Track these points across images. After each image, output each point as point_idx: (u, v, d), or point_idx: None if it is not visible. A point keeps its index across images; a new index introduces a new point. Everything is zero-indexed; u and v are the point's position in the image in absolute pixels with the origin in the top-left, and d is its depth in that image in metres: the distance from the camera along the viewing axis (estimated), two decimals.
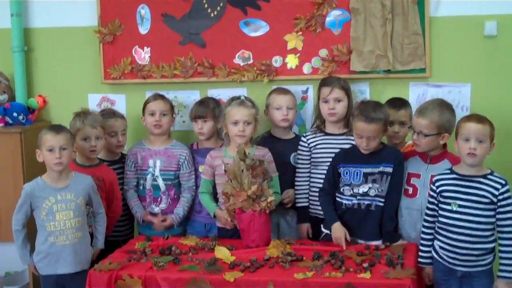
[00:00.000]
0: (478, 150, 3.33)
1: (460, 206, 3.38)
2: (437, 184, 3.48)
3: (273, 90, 4.29)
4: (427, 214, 3.53)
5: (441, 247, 3.46)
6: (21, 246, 3.76)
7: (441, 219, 3.45)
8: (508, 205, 3.35)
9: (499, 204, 3.35)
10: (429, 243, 3.51)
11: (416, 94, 4.30)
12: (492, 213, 3.37)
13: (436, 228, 3.48)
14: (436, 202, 3.48)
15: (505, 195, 3.36)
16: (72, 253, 3.70)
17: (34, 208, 3.70)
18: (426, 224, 3.54)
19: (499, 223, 3.37)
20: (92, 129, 4.02)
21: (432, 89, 4.28)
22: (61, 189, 3.71)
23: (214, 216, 4.05)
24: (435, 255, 3.50)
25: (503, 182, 3.39)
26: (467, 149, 3.34)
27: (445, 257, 3.45)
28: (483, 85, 4.24)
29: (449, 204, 3.41)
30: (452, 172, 3.46)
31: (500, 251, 3.39)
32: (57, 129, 3.74)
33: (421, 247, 3.56)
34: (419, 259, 3.54)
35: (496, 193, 3.35)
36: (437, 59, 4.27)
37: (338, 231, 3.68)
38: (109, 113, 4.30)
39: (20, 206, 3.72)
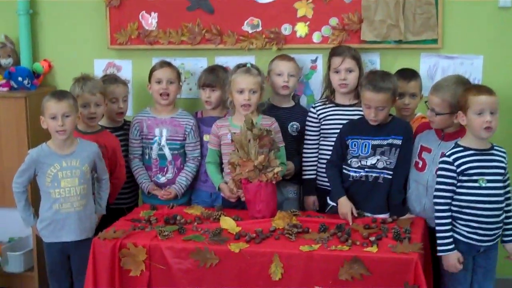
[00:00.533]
0: (493, 123, 3.28)
1: (488, 181, 3.31)
2: (456, 163, 3.34)
3: (276, 56, 4.20)
4: (443, 197, 3.37)
5: (466, 226, 3.35)
6: (23, 208, 3.73)
7: (465, 197, 3.34)
8: (508, 172, 3.39)
9: (505, 172, 3.37)
10: (449, 227, 3.37)
11: (427, 65, 4.22)
12: (503, 183, 3.37)
13: (457, 208, 3.37)
14: (455, 182, 3.35)
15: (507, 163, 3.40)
16: (77, 220, 3.67)
17: (38, 174, 3.66)
18: (444, 207, 3.37)
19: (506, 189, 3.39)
20: (91, 96, 3.94)
21: (443, 60, 4.20)
22: (67, 156, 3.67)
23: (219, 189, 4.01)
24: (458, 236, 3.38)
25: (504, 150, 3.41)
26: (484, 123, 3.27)
27: (471, 235, 3.35)
28: (496, 57, 4.15)
29: (475, 181, 3.32)
30: (466, 148, 3.36)
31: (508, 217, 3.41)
32: (60, 96, 3.67)
33: (443, 234, 3.36)
34: (442, 247, 3.36)
35: (505, 161, 3.36)
36: (449, 30, 4.17)
37: (344, 206, 3.64)
38: (111, 79, 4.23)
39: (23, 171, 3.68)
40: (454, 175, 3.34)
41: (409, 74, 3.95)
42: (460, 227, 3.38)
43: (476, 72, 4.14)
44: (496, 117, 3.29)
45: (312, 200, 4.08)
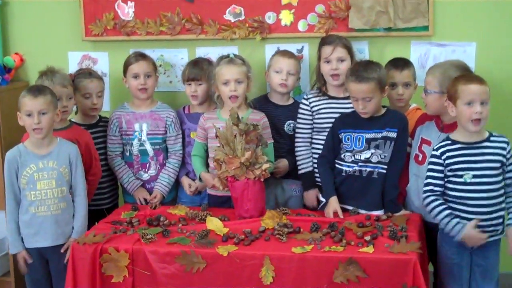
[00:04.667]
0: (483, 114, 3.12)
1: (474, 176, 3.17)
2: (443, 157, 3.23)
3: (277, 51, 4.05)
4: (431, 191, 3.24)
5: None
6: (12, 230, 3.51)
7: (452, 193, 3.23)
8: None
9: (507, 163, 3.19)
10: (449, 211, 3.21)
11: (418, 53, 4.07)
12: (502, 176, 3.19)
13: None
14: (442, 176, 3.24)
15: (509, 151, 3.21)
16: (54, 224, 3.48)
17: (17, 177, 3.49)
18: (434, 197, 3.24)
19: (507, 182, 3.20)
20: (63, 88, 3.77)
21: (435, 48, 4.05)
22: (43, 156, 3.48)
23: (200, 179, 3.86)
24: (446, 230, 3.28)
25: (506, 139, 3.22)
26: (473, 114, 3.12)
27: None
28: (489, 45, 4.01)
29: (460, 176, 3.19)
30: (454, 141, 3.22)
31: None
32: (36, 91, 3.48)
33: (445, 220, 3.20)
34: (452, 228, 3.19)
35: (504, 153, 3.18)
36: (441, 16, 4.02)
37: (330, 206, 3.53)
38: (85, 73, 4.04)
39: (7, 182, 3.46)
40: (442, 168, 3.24)
41: (401, 63, 3.80)
42: None
43: (468, 60, 3.92)
44: (487, 108, 3.14)
45: (313, 194, 3.87)
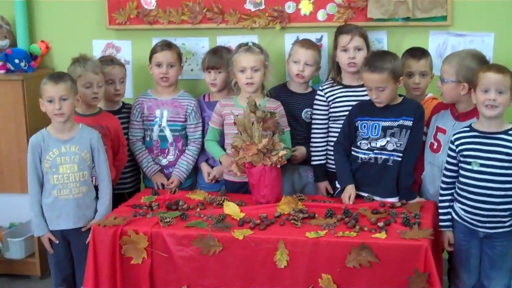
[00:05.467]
0: (497, 101, 3.14)
1: (481, 165, 3.20)
2: (456, 143, 3.29)
3: (297, 41, 4.09)
4: (445, 175, 3.36)
5: (462, 209, 3.30)
6: (37, 214, 3.60)
7: (461, 179, 3.28)
8: None
9: None
10: (447, 204, 3.36)
11: (436, 43, 4.09)
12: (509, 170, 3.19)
13: (457, 189, 3.32)
14: (455, 162, 3.31)
15: None
16: (75, 207, 3.58)
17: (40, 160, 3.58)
18: (443, 185, 3.38)
19: None
20: (94, 75, 3.85)
21: (453, 38, 4.07)
22: (66, 141, 3.57)
23: (220, 162, 3.93)
24: (456, 217, 3.34)
25: None
26: (486, 100, 3.15)
27: (467, 219, 3.28)
28: (507, 35, 4.01)
29: (469, 163, 3.24)
30: (472, 129, 3.27)
31: None
32: (56, 78, 3.55)
33: (440, 210, 3.39)
34: (440, 223, 3.38)
35: None
36: (459, 6, 4.03)
37: (345, 191, 3.58)
38: (107, 60, 4.13)
39: (31, 166, 3.56)
40: (454, 154, 3.30)
41: (418, 53, 3.84)
42: (457, 207, 3.33)
43: (486, 50, 3.96)
44: (504, 97, 3.15)
45: (323, 186, 3.96)
